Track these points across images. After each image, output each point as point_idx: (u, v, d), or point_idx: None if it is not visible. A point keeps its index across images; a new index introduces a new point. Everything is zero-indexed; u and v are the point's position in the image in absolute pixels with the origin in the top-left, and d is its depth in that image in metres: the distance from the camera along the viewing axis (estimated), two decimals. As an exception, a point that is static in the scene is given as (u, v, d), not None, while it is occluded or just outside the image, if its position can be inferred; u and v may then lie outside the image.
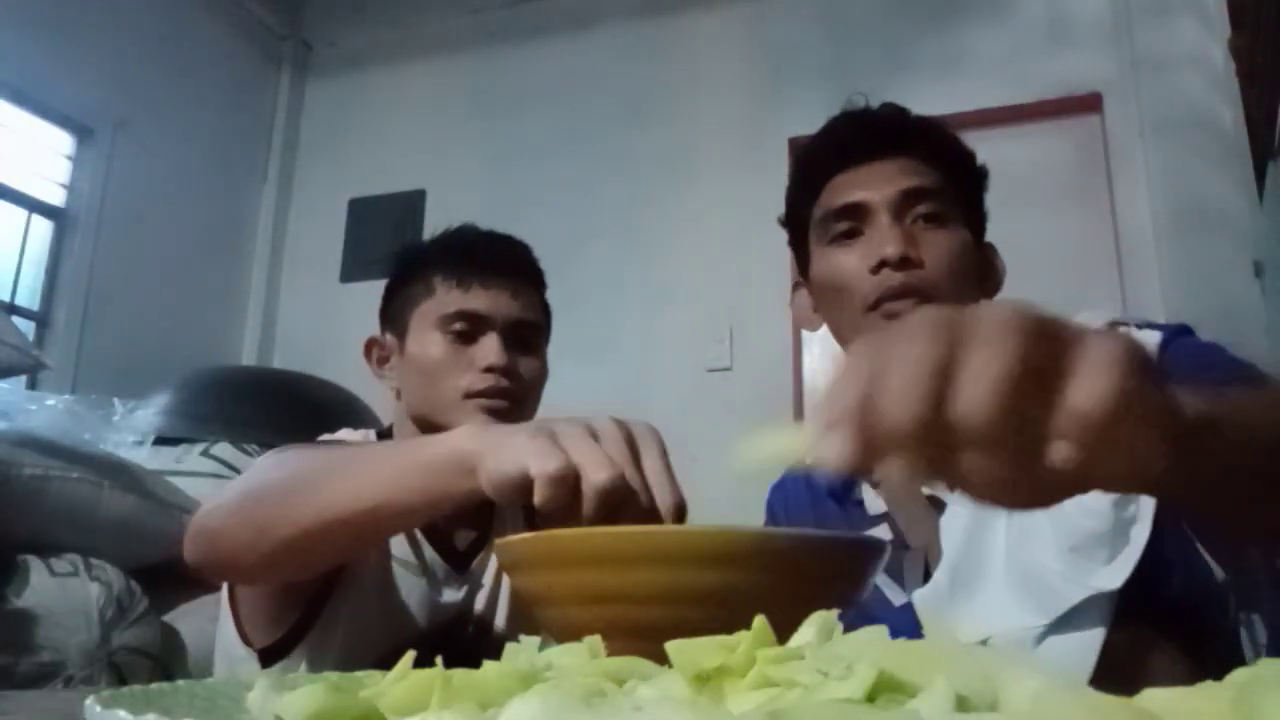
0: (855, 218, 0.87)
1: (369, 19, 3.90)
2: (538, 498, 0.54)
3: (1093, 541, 0.69)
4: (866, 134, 0.90)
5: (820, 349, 3.04)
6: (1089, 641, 0.67)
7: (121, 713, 0.28)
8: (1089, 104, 2.86)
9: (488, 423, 0.98)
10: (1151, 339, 0.76)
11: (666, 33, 3.43)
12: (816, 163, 0.93)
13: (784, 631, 0.31)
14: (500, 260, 1.06)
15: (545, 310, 1.10)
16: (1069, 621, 0.68)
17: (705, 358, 3.05)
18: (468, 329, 1.00)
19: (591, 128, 3.41)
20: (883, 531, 0.87)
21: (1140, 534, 0.69)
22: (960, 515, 0.78)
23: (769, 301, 3.02)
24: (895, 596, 0.82)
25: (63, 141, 3.14)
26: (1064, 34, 2.91)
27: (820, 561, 0.47)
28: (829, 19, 3.20)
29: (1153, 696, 0.24)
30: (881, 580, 0.83)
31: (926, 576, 0.81)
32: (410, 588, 0.98)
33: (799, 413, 2.93)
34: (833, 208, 0.88)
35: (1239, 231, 2.47)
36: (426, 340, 1.00)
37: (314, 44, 4.03)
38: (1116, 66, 2.80)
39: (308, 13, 4.03)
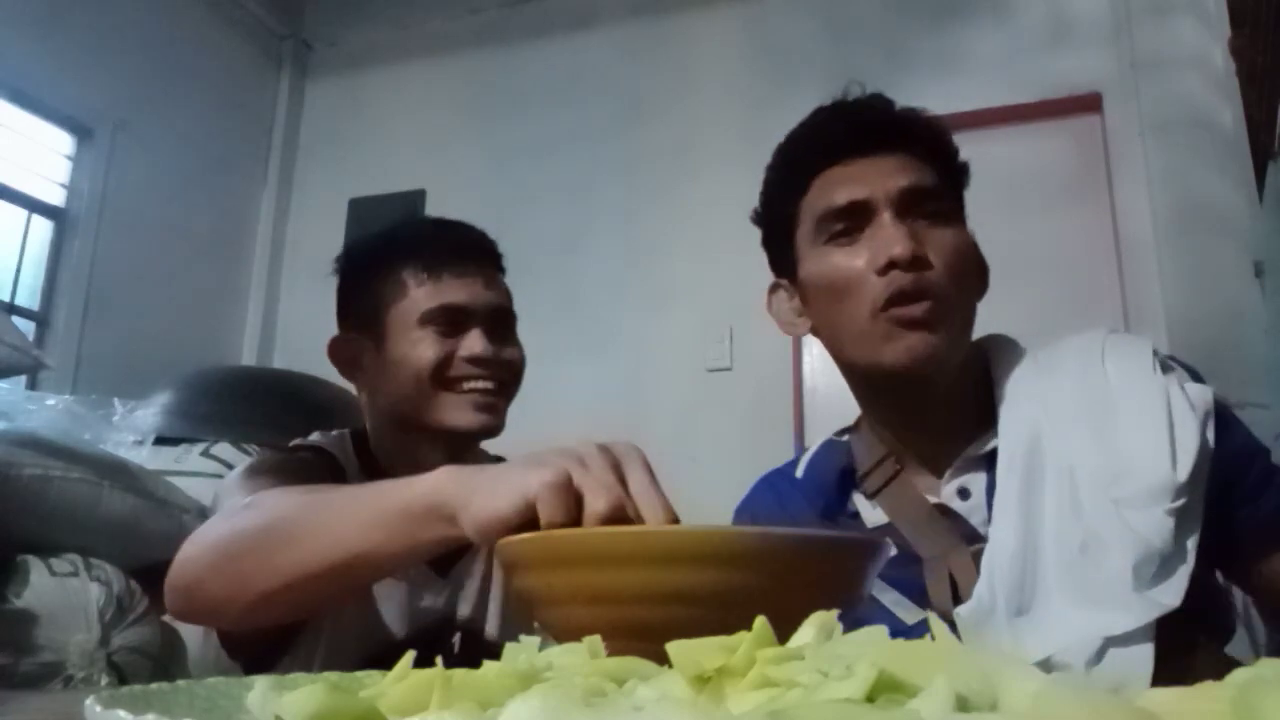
0: (855, 216, 0.82)
1: (369, 19, 3.90)
2: (543, 511, 0.53)
3: (1156, 557, 0.69)
4: (859, 128, 0.86)
5: (820, 349, 3.03)
6: (1145, 653, 0.67)
7: (121, 713, 0.28)
8: (1089, 104, 2.86)
9: (475, 412, 0.98)
10: (1199, 395, 0.76)
11: (666, 33, 3.43)
12: (803, 156, 0.88)
13: (784, 631, 0.31)
14: (467, 249, 1.04)
15: (509, 294, 1.08)
16: (1126, 635, 0.68)
17: (705, 358, 3.05)
18: (450, 324, 0.98)
19: (591, 127, 3.41)
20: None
21: (1193, 549, 0.70)
22: (1009, 530, 0.76)
23: (769, 301, 3.02)
24: (907, 614, 0.79)
25: (63, 141, 3.13)
26: (1064, 34, 2.91)
27: (820, 561, 0.47)
28: (829, 19, 3.19)
29: (1153, 696, 0.24)
30: (890, 599, 0.81)
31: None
32: (387, 593, 0.96)
33: (799, 413, 2.93)
34: (831, 206, 0.83)
35: (1239, 231, 2.47)
36: (409, 341, 0.98)
37: (314, 44, 4.03)
38: (1116, 66, 2.80)
39: (308, 13, 4.03)
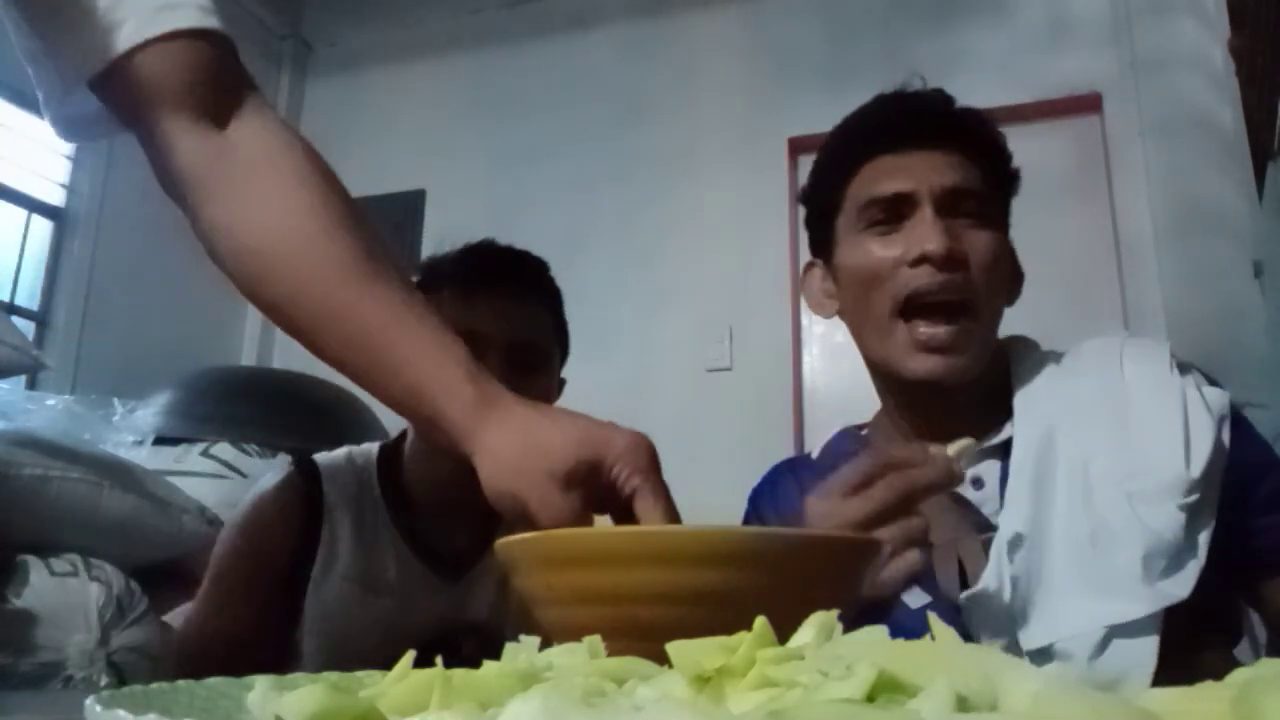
0: (897, 207, 0.83)
1: (369, 19, 3.90)
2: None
3: (1166, 550, 0.70)
4: (914, 120, 0.86)
5: (820, 349, 3.04)
6: (1149, 646, 0.68)
7: (121, 713, 0.28)
8: (1089, 104, 2.86)
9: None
10: (1216, 398, 0.76)
11: (666, 33, 3.42)
12: (855, 141, 0.89)
13: (784, 631, 0.31)
14: (506, 271, 1.02)
15: (559, 329, 1.06)
16: (1131, 626, 0.68)
17: (705, 358, 3.05)
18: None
19: (591, 128, 3.40)
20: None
21: (1205, 545, 0.70)
22: (1019, 518, 0.76)
23: (769, 301, 3.02)
24: (911, 598, 0.79)
25: (63, 141, 3.13)
26: (1064, 34, 2.91)
27: (820, 561, 0.47)
28: (829, 19, 3.19)
29: (1153, 696, 0.24)
30: None
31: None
32: (388, 600, 0.96)
33: (799, 413, 2.93)
34: (875, 195, 0.84)
35: (1239, 231, 2.47)
36: None
37: (314, 44, 4.03)
38: (1116, 66, 2.80)
39: (308, 12, 4.02)
